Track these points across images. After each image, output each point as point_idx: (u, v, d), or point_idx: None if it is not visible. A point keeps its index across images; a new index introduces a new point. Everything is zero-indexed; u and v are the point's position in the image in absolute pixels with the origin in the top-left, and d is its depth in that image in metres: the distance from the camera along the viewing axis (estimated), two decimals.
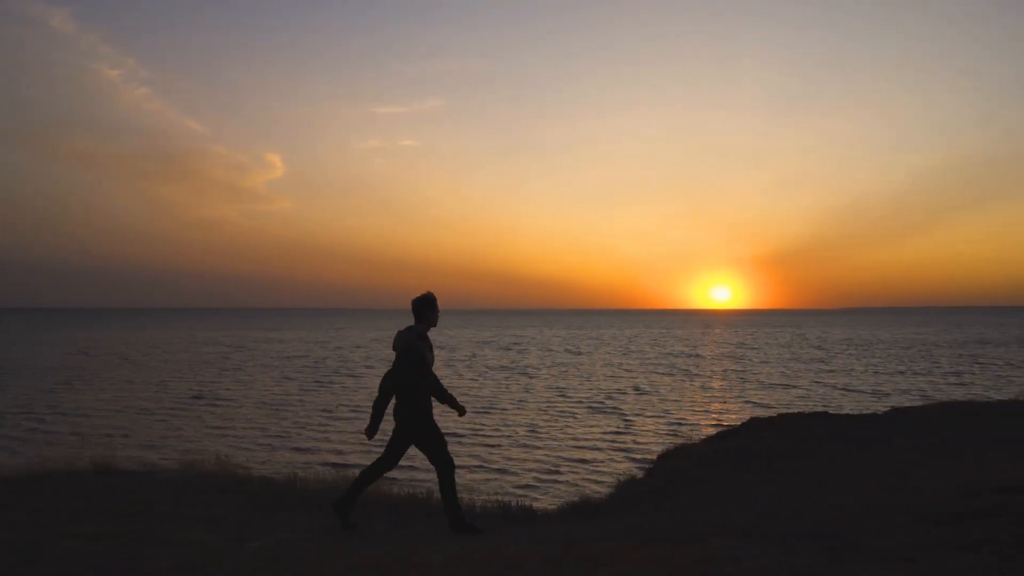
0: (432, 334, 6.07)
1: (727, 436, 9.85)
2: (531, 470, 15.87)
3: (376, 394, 5.86)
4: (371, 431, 5.79)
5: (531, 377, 36.89)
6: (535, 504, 8.45)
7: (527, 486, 14.45)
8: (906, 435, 8.57)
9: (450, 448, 6.02)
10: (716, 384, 33.89)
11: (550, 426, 21.62)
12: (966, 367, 41.35)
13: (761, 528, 4.62)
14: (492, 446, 18.45)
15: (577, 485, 14.29)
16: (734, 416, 22.31)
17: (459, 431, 19.21)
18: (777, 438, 8.87)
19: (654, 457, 10.48)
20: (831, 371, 39.45)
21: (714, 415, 24.13)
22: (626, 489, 8.13)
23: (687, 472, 7.86)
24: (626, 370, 40.87)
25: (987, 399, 20.99)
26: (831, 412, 12.03)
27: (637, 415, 23.85)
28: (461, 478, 12.12)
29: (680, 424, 22.06)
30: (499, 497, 8.40)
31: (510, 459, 16.96)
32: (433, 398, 5.99)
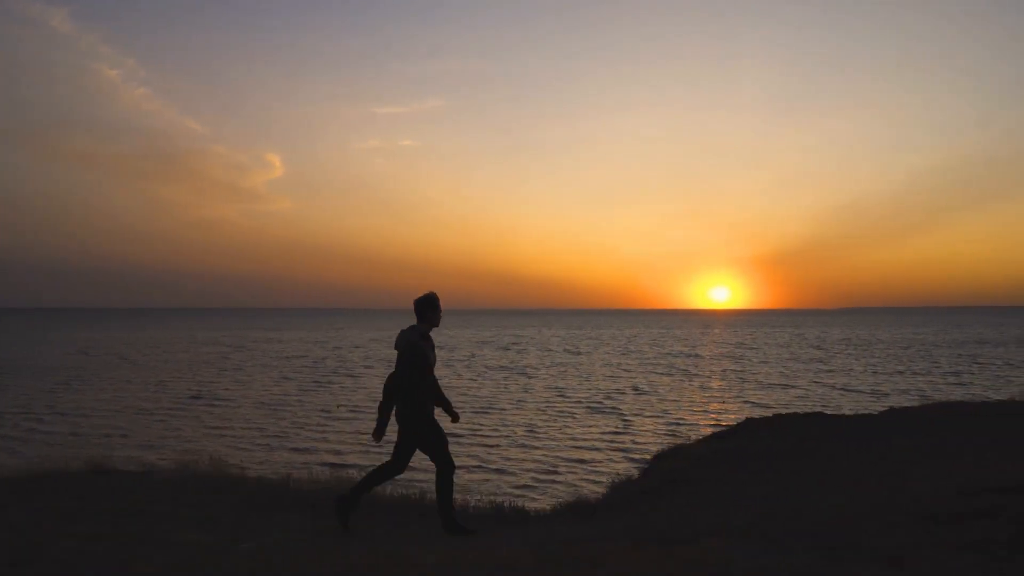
0: (432, 334, 6.07)
1: (723, 436, 9.84)
2: (529, 470, 15.86)
3: (381, 397, 5.86)
4: (378, 433, 5.77)
5: (530, 377, 36.89)
6: (531, 504, 8.45)
7: (525, 486, 14.44)
8: (904, 435, 8.56)
9: (449, 448, 6.01)
10: (715, 384, 33.90)
11: (549, 426, 21.62)
12: (965, 367, 41.37)
13: (758, 528, 4.61)
14: (491, 446, 18.44)
15: (575, 485, 14.28)
16: (733, 416, 22.30)
17: (458, 431, 19.20)
18: (773, 438, 8.87)
19: (651, 457, 10.47)
20: (830, 371, 39.46)
21: (713, 415, 24.12)
22: (622, 489, 8.12)
23: (683, 472, 7.85)
24: (625, 370, 40.87)
25: (986, 399, 21.00)
26: (828, 412, 12.04)
27: (636, 415, 23.84)
28: (459, 478, 12.10)
29: (679, 424, 22.05)
30: (492, 497, 8.40)
31: (508, 459, 16.95)
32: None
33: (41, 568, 4.60)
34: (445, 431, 5.95)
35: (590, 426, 21.64)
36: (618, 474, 11.92)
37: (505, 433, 20.36)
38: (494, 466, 16.18)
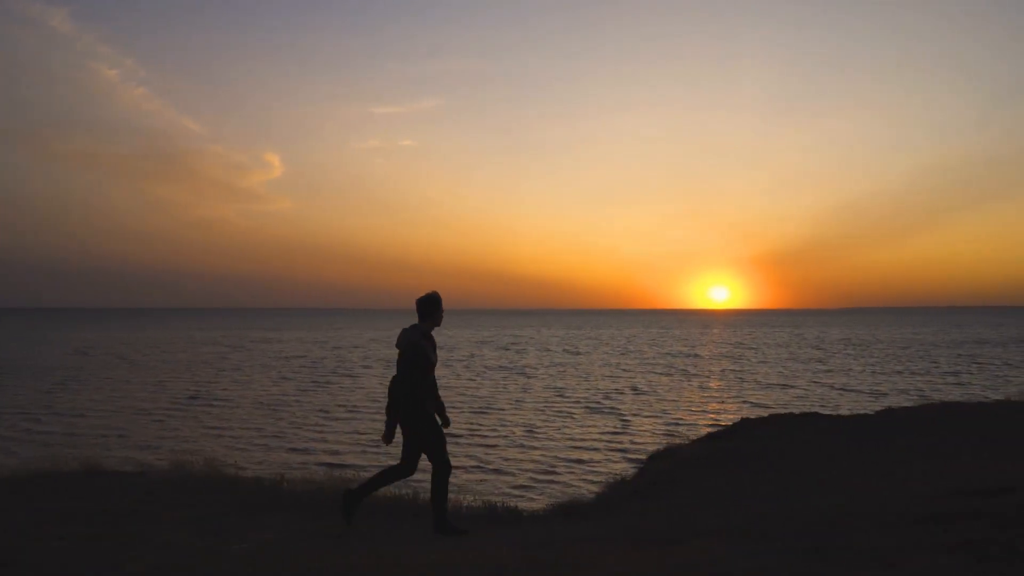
0: (433, 333, 6.06)
1: (719, 436, 9.83)
2: (527, 470, 15.84)
3: (387, 400, 5.84)
4: (387, 436, 5.75)
5: (529, 377, 36.87)
6: (527, 504, 8.43)
7: (523, 486, 14.42)
8: (901, 435, 8.55)
9: (447, 449, 5.99)
10: (714, 384, 33.89)
11: (547, 426, 21.60)
12: (964, 367, 41.37)
13: (754, 528, 4.60)
14: (489, 446, 18.42)
15: (573, 486, 14.26)
16: (731, 416, 22.28)
17: (457, 431, 19.18)
18: (769, 438, 8.86)
19: (647, 457, 10.45)
20: (829, 371, 39.45)
21: (711, 415, 24.11)
22: (616, 489, 8.11)
23: (678, 472, 7.84)
24: (624, 370, 40.86)
25: (984, 399, 20.99)
26: (826, 412, 12.03)
27: (635, 415, 23.83)
28: (458, 478, 12.09)
29: (677, 424, 22.04)
30: (485, 497, 8.37)
31: (507, 459, 16.93)
32: None
33: (35, 569, 4.59)
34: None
35: (589, 426, 21.62)
36: (614, 474, 11.91)
37: (504, 433, 20.34)
38: (492, 466, 16.16)
